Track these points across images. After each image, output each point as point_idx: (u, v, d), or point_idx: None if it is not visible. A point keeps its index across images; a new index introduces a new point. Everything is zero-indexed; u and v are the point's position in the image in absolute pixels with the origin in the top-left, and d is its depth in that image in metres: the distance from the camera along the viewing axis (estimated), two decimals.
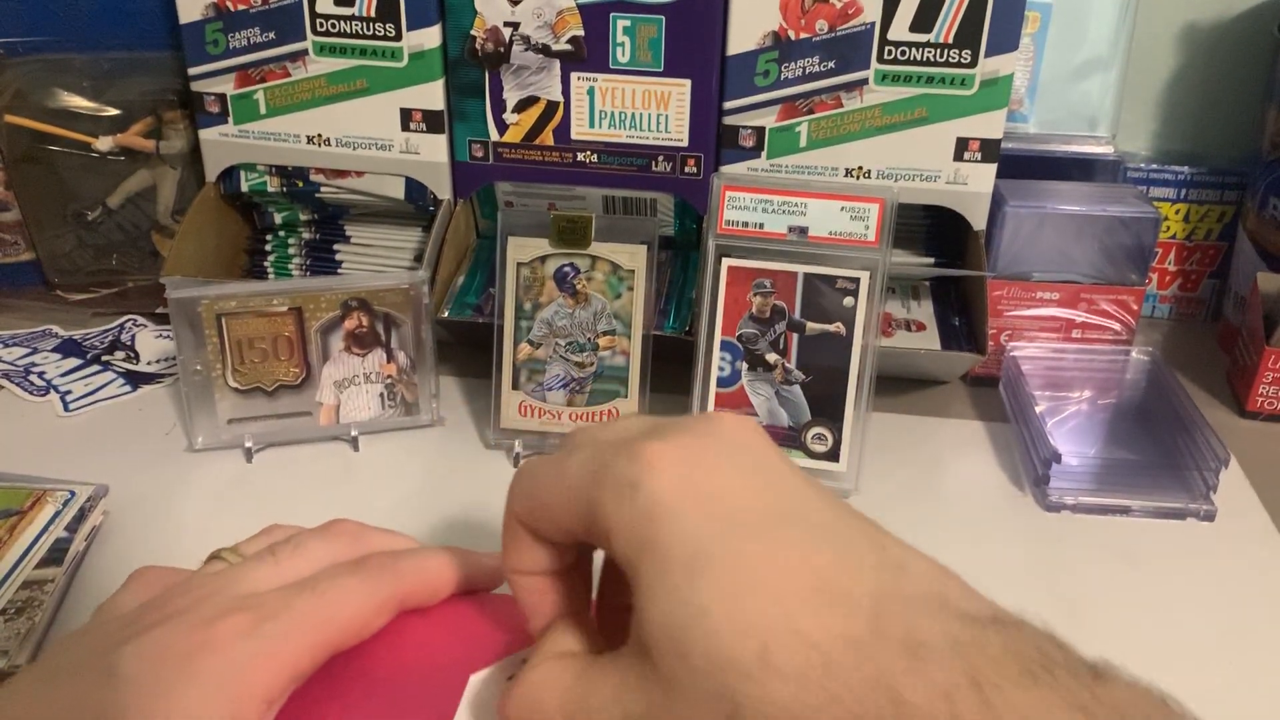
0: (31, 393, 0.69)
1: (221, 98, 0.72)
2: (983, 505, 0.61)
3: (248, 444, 0.63)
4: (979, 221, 0.69)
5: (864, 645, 0.22)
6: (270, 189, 0.75)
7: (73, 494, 0.56)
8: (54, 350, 0.75)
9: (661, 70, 0.67)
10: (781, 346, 0.61)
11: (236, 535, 0.36)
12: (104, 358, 0.74)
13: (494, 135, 0.70)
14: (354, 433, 0.64)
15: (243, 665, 0.28)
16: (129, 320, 0.78)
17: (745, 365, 0.62)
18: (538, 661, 0.28)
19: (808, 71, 0.66)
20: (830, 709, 0.22)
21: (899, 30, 0.64)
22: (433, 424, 0.66)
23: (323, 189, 0.75)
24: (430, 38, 0.68)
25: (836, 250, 0.59)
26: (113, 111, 0.75)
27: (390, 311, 0.64)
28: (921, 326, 0.71)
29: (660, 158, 0.69)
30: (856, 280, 0.60)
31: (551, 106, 0.69)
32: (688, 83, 0.67)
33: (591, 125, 0.69)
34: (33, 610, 0.49)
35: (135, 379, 0.71)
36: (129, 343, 0.76)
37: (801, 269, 0.60)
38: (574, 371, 0.63)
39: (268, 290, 0.63)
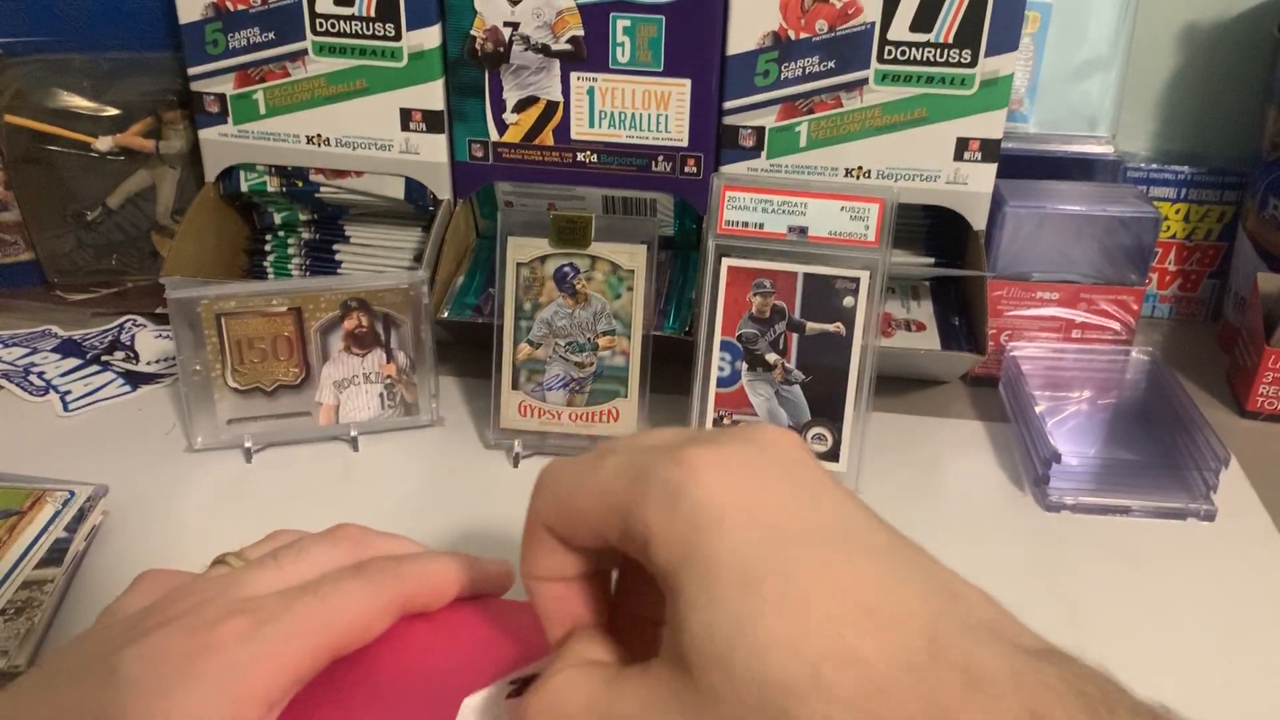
0: (31, 393, 0.69)
1: (221, 98, 0.72)
2: (983, 505, 0.61)
3: (247, 444, 0.63)
4: (979, 221, 0.69)
5: (921, 671, 0.22)
6: (270, 189, 0.75)
7: (72, 494, 0.56)
8: (54, 350, 0.75)
9: (661, 70, 0.67)
10: (781, 346, 0.61)
11: (236, 535, 0.36)
12: (104, 358, 0.74)
13: (494, 135, 0.70)
14: (353, 433, 0.64)
15: (243, 667, 0.28)
16: (129, 320, 0.78)
17: (745, 365, 0.62)
18: (561, 667, 0.27)
19: (808, 71, 0.66)
20: None
21: (899, 30, 0.64)
22: (432, 424, 0.66)
23: (322, 189, 0.75)
24: (430, 38, 0.68)
25: (836, 250, 0.59)
26: (112, 111, 0.75)
27: (390, 311, 0.64)
28: (921, 326, 0.71)
29: (660, 158, 0.69)
30: (856, 280, 0.60)
31: (551, 106, 0.69)
32: (688, 83, 0.67)
33: (591, 125, 0.69)
34: (32, 610, 0.49)
35: (135, 379, 0.71)
36: (128, 343, 0.76)
37: (801, 269, 0.60)
38: (574, 372, 0.63)
39: (267, 290, 0.63)
